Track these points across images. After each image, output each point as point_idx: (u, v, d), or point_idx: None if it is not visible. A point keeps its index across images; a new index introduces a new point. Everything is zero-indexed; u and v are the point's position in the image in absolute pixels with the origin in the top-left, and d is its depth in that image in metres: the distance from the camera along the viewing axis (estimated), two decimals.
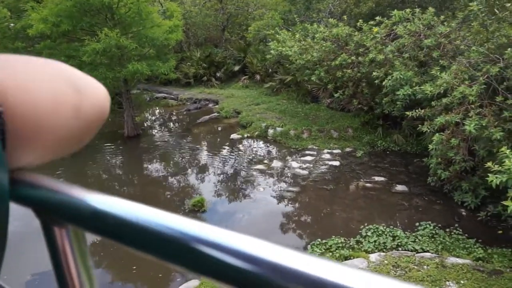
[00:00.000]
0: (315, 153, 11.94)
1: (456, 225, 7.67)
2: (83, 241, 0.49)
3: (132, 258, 7.01)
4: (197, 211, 8.91)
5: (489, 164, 5.45)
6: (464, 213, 8.26)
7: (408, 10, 9.81)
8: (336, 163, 11.20)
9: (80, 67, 12.35)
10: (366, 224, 7.88)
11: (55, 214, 0.46)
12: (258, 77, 20.91)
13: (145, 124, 16.44)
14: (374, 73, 9.92)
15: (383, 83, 9.82)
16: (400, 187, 9.52)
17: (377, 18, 10.86)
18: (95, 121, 0.47)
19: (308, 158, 11.61)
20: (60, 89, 0.40)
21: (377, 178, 10.10)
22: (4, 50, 19.03)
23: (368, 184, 9.83)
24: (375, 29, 10.53)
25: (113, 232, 0.42)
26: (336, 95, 12.03)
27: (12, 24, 18.58)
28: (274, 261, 0.32)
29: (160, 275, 6.70)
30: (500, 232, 7.49)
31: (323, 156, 11.68)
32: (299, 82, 17.14)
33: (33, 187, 0.46)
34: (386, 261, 6.42)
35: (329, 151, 12.02)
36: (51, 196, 0.45)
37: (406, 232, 7.49)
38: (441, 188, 9.12)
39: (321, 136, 12.93)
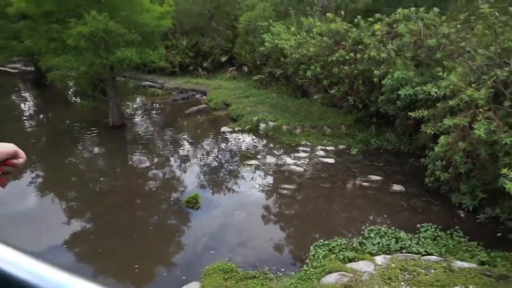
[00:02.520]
0: (309, 149, 11.77)
1: (457, 227, 7.65)
2: None
3: (135, 257, 6.64)
4: (191, 207, 8.56)
5: (504, 170, 5.38)
6: (462, 215, 8.29)
7: (413, 8, 9.70)
8: (331, 160, 11.07)
9: (63, 50, 11.66)
10: (367, 225, 7.79)
11: None
12: (246, 68, 20.53)
13: (131, 113, 15.81)
14: (375, 72, 9.79)
15: (383, 81, 9.70)
16: (397, 187, 9.48)
17: (377, 15, 10.71)
18: None
19: (302, 154, 11.42)
20: None
21: (373, 177, 10.02)
22: None
23: (365, 183, 9.74)
24: (377, 26, 10.38)
25: None
26: (332, 91, 11.88)
27: None
28: None
29: (164, 274, 6.37)
30: (499, 234, 7.55)
31: (317, 153, 11.52)
32: (289, 76, 16.91)
33: None
34: (393, 265, 6.32)
35: (323, 147, 11.87)
36: None
37: (408, 234, 7.42)
38: (438, 189, 9.14)
39: (314, 132, 12.76)
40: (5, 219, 8.27)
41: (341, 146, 12.05)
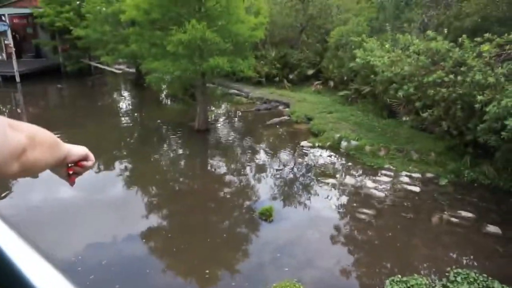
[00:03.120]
0: (392, 174, 11.05)
1: None
2: None
3: (206, 261, 6.79)
4: (264, 219, 8.51)
5: None
6: None
7: None
8: (416, 188, 10.24)
9: (163, 56, 12.52)
10: (453, 267, 6.99)
11: None
12: (331, 83, 20.14)
13: (215, 119, 16.43)
14: (478, 97, 8.85)
15: (487, 108, 8.72)
16: (492, 228, 8.40)
17: (486, 35, 9.72)
18: None
19: (385, 178, 10.76)
20: None
21: (463, 213, 9.03)
22: (93, 32, 20.11)
23: (453, 219, 8.81)
24: (485, 47, 9.41)
25: None
26: (424, 114, 11.02)
27: (104, 9, 19.49)
28: None
29: (233, 284, 6.38)
30: None
31: (401, 179, 10.76)
32: (377, 94, 16.16)
33: None
34: None
35: (407, 174, 11.05)
36: None
37: (503, 285, 6.50)
38: None
39: (399, 156, 11.96)
40: (94, 204, 9.06)
41: (428, 174, 11.10)
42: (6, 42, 23.95)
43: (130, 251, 7.29)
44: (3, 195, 9.55)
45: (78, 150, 0.87)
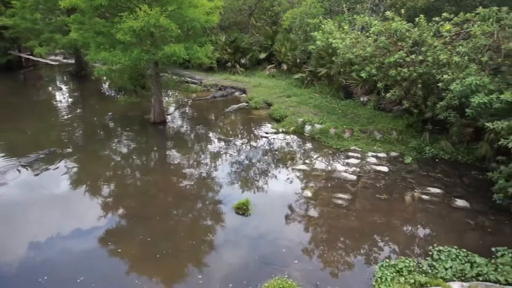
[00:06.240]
0: (359, 155, 11.14)
1: None
2: None
3: (196, 266, 6.27)
4: (241, 214, 8.14)
5: None
6: None
7: (494, 8, 8.88)
8: (385, 168, 10.40)
9: (111, 45, 11.46)
10: (435, 244, 7.13)
11: None
12: (285, 66, 19.99)
13: (171, 110, 15.56)
14: (444, 76, 9.02)
15: (451, 87, 8.93)
16: (460, 202, 8.73)
17: (444, 14, 9.93)
18: None
19: (353, 161, 10.81)
20: None
21: (432, 190, 9.31)
22: (22, 20, 18.07)
23: (424, 196, 9.05)
24: (447, 26, 9.59)
25: None
26: (388, 94, 11.17)
27: None
28: None
29: (230, 285, 5.95)
30: None
31: (368, 160, 10.88)
32: (332, 76, 16.27)
33: None
34: None
35: (374, 154, 11.22)
36: None
37: (482, 258, 6.72)
38: (508, 206, 8.34)
39: (363, 137, 12.10)
40: (40, 207, 8.11)
41: (393, 153, 11.35)
42: None
43: (108, 262, 6.58)
44: None
45: None
